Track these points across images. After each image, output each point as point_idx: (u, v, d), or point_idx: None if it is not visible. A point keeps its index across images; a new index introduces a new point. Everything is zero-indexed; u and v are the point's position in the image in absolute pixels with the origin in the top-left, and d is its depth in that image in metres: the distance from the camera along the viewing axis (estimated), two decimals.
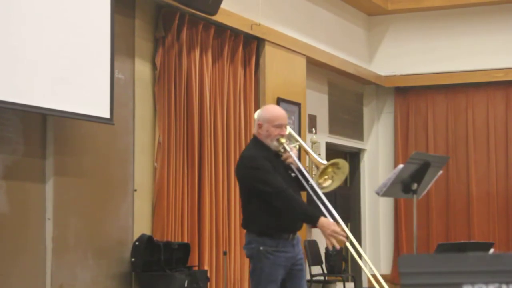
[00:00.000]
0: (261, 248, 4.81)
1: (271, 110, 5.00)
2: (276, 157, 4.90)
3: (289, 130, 5.01)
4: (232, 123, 7.93)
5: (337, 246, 4.68)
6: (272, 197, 4.75)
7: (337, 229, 4.70)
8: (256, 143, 4.94)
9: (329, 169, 4.88)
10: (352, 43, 10.82)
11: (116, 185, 6.67)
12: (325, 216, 4.73)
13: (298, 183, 4.91)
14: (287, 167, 4.92)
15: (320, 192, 4.82)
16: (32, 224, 5.83)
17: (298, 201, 4.76)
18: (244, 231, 7.73)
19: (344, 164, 4.91)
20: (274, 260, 4.81)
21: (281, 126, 4.88)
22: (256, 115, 5.07)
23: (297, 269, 4.94)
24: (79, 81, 5.89)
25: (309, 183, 4.89)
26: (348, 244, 4.81)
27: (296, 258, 4.93)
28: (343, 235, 4.73)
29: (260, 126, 4.89)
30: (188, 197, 7.23)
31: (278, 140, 4.86)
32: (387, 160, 11.35)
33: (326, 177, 4.88)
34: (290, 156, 4.89)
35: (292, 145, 4.94)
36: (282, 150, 4.89)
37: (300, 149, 5.41)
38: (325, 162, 4.87)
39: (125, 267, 6.67)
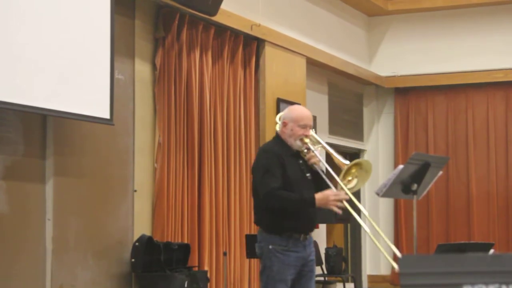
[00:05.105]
0: (271, 247, 4.79)
1: (298, 110, 5.03)
2: (294, 157, 4.91)
3: (311, 133, 5.01)
4: (232, 123, 7.93)
5: (339, 212, 4.75)
6: (264, 201, 4.76)
7: (331, 193, 4.74)
8: (277, 139, 4.98)
9: (353, 170, 4.89)
10: (352, 43, 10.82)
11: (116, 186, 6.67)
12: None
13: (314, 185, 4.88)
14: (303, 169, 4.92)
15: (346, 189, 4.82)
16: (32, 224, 5.83)
17: (289, 194, 4.75)
18: (244, 232, 7.77)
19: (367, 164, 4.93)
20: (284, 259, 4.79)
21: (306, 127, 4.90)
22: (280, 114, 5.10)
23: (307, 270, 4.91)
24: (79, 81, 5.89)
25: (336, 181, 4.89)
26: (345, 203, 4.80)
27: (307, 259, 4.89)
28: (341, 196, 4.74)
29: (285, 124, 4.92)
30: (188, 197, 7.23)
31: (301, 140, 4.88)
32: (387, 160, 11.35)
33: (349, 178, 4.89)
34: (314, 156, 4.89)
35: (315, 147, 4.94)
36: (305, 150, 4.90)
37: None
38: (348, 162, 4.88)
39: (125, 268, 6.67)
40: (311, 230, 4.95)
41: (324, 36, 9.95)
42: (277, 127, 5.12)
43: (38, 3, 5.55)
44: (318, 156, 4.89)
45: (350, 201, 4.85)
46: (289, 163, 4.84)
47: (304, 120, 4.92)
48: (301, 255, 4.84)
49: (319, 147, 4.97)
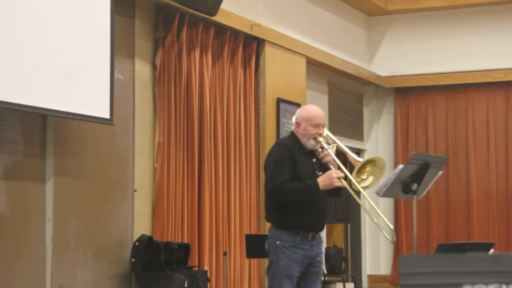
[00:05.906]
0: (278, 242, 4.81)
1: (310, 110, 5.05)
2: (307, 156, 4.90)
3: (326, 131, 5.02)
4: (232, 123, 7.93)
5: (345, 184, 4.81)
6: (270, 195, 4.77)
7: (332, 171, 4.79)
8: (292, 136, 5.00)
9: (367, 168, 4.90)
10: (352, 43, 10.82)
11: (116, 186, 6.67)
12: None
13: None
14: (315, 168, 4.92)
15: (359, 187, 4.84)
16: (32, 224, 5.83)
17: (293, 185, 4.76)
18: (244, 232, 7.78)
19: (380, 161, 4.94)
20: (290, 255, 4.79)
21: (319, 126, 4.91)
22: (295, 116, 5.11)
23: (313, 271, 4.91)
24: (79, 81, 5.89)
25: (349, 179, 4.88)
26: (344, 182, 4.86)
27: (314, 259, 4.90)
28: (339, 174, 4.79)
29: (298, 124, 4.96)
30: (188, 197, 7.23)
31: (315, 139, 4.88)
32: (387, 160, 11.26)
33: (363, 176, 4.90)
34: (328, 155, 4.89)
35: (329, 145, 4.95)
36: (319, 149, 4.90)
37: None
38: (361, 159, 4.89)
39: (125, 268, 6.67)
40: (320, 229, 4.95)
41: (324, 36, 9.95)
42: (292, 128, 5.14)
43: (38, 3, 5.55)
44: (332, 154, 4.91)
45: (360, 195, 4.93)
46: (301, 161, 4.85)
47: (316, 119, 4.93)
48: (308, 253, 4.85)
49: (333, 145, 4.98)
